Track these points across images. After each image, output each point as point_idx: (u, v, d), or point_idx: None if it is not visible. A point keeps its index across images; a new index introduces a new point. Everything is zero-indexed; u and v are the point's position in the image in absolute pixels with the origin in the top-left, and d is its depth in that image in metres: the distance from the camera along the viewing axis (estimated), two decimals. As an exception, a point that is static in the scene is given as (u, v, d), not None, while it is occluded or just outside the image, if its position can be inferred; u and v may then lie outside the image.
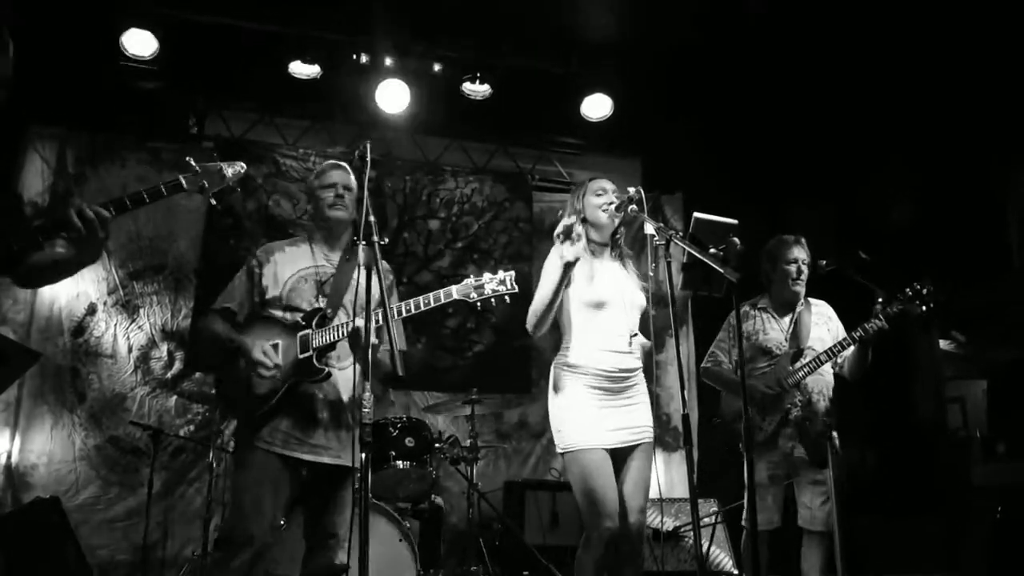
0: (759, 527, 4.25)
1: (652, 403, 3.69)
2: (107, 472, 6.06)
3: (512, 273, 3.31)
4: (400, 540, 4.57)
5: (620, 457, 3.56)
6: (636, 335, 3.61)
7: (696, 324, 7.07)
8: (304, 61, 6.36)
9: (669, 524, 5.58)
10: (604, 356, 3.56)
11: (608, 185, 3.77)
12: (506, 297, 3.27)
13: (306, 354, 3.28)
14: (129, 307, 6.39)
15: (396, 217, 7.12)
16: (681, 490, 6.42)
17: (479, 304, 3.28)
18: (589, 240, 3.76)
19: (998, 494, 5.37)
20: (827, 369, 4.39)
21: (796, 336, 4.42)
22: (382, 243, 3.04)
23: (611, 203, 3.66)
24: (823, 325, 4.50)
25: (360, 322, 3.13)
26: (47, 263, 2.71)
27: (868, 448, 6.44)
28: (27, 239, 2.59)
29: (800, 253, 4.47)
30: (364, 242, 2.98)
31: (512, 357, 7.01)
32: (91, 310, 6.30)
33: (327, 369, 3.31)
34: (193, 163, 2.76)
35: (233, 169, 2.84)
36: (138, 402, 6.23)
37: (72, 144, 6.47)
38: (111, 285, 6.38)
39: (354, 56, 6.49)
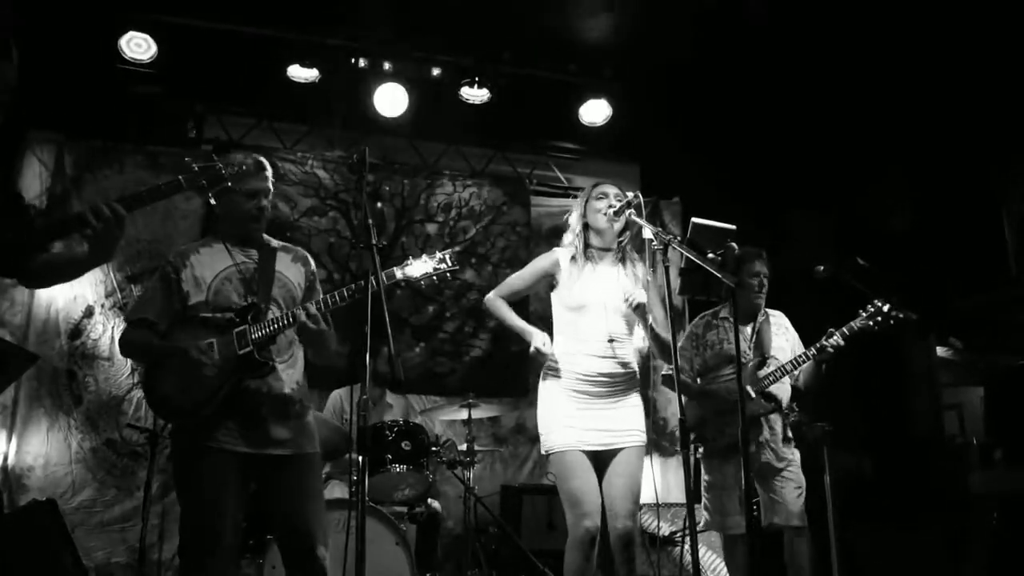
0: (729, 531, 4.40)
1: (649, 408, 3.70)
2: (104, 475, 6.05)
3: (449, 251, 3.37)
4: (396, 544, 4.56)
5: (604, 460, 3.58)
6: (614, 340, 3.61)
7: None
8: (302, 65, 6.38)
9: (665, 529, 5.58)
10: (582, 360, 3.60)
11: (610, 189, 3.78)
12: (448, 275, 3.34)
13: (246, 349, 3.23)
14: (126, 310, 6.38)
15: (394, 221, 7.12)
16: (677, 494, 6.42)
17: (422, 283, 3.33)
18: (588, 245, 3.78)
19: (996, 501, 5.37)
20: (785, 379, 4.49)
21: (759, 345, 4.53)
22: (380, 246, 3.05)
23: (611, 207, 3.68)
24: (781, 335, 4.64)
25: (301, 313, 3.21)
26: (59, 262, 2.71)
27: (865, 455, 6.43)
28: (35, 239, 2.59)
29: (762, 267, 4.60)
30: (363, 246, 3.00)
31: (509, 362, 7.01)
32: (88, 313, 6.29)
33: (269, 362, 3.28)
34: (190, 162, 2.79)
35: (229, 170, 2.86)
36: (135, 405, 6.21)
37: (70, 148, 6.47)
38: (109, 288, 6.37)
39: (352, 60, 6.51)
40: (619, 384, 3.62)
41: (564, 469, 3.54)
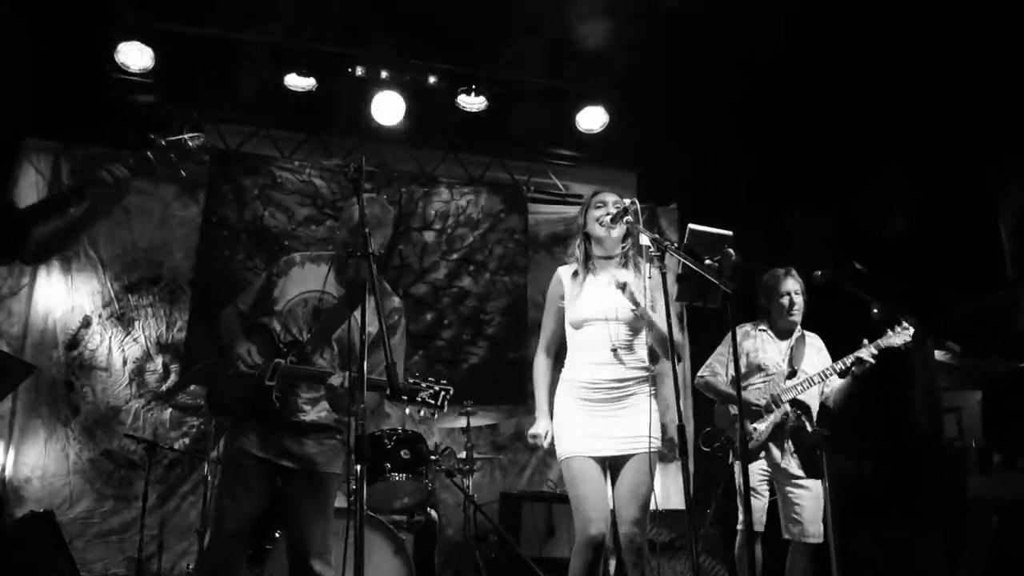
0: (752, 530, 4.46)
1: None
2: (101, 485, 6.03)
3: (450, 390, 3.25)
4: (395, 553, 4.55)
5: (615, 466, 3.60)
6: (616, 350, 3.61)
7: (691, 335, 7.07)
8: (300, 73, 6.39)
9: (665, 535, 5.57)
10: (588, 369, 3.64)
11: (608, 197, 3.78)
12: (434, 412, 3.26)
13: (270, 383, 3.36)
14: (124, 320, 6.37)
15: (391, 228, 7.10)
16: (677, 501, 6.40)
17: (408, 410, 3.33)
18: (589, 256, 3.79)
19: (994, 506, 5.36)
20: (814, 393, 4.64)
21: (793, 358, 4.66)
22: (377, 255, 3.05)
23: (607, 214, 3.68)
24: (814, 354, 4.76)
25: (336, 380, 3.27)
26: (60, 228, 2.77)
27: (864, 459, 6.43)
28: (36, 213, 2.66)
29: (792, 284, 4.72)
30: (359, 255, 3.00)
31: (508, 369, 7.01)
32: (86, 323, 6.28)
33: (288, 403, 3.42)
34: (157, 138, 2.90)
35: (195, 142, 2.96)
36: (133, 415, 6.20)
37: (67, 156, 6.45)
38: (106, 298, 6.36)
39: (350, 68, 6.51)
40: (628, 389, 3.61)
41: (572, 475, 3.57)
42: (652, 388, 3.68)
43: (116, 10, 6.05)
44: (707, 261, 3.44)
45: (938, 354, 6.91)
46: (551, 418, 3.73)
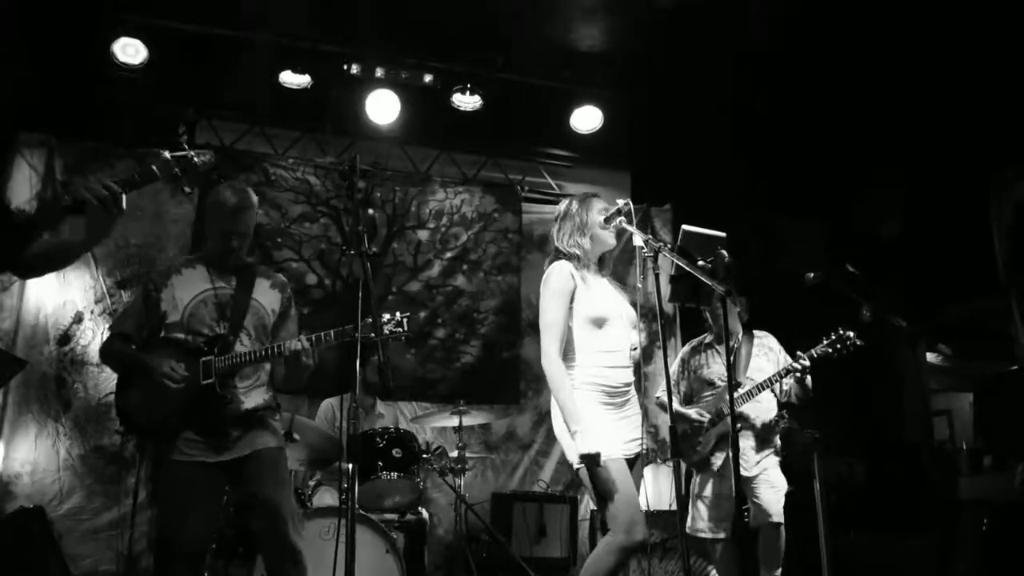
0: (699, 534, 4.68)
1: (642, 415, 3.70)
2: (92, 482, 6.01)
3: (408, 315, 3.50)
4: (386, 552, 4.54)
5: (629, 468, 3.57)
6: (636, 348, 3.60)
7: (684, 336, 7.08)
8: (295, 71, 6.37)
9: (656, 536, 5.58)
10: (611, 372, 3.51)
11: (605, 203, 3.78)
12: (401, 339, 3.51)
13: (208, 380, 3.39)
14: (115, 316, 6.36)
15: (385, 227, 7.11)
16: (667, 502, 6.41)
17: (379, 341, 3.30)
18: (587, 253, 3.76)
19: (985, 507, 5.38)
20: (767, 396, 4.77)
21: (734, 368, 4.77)
22: (371, 253, 3.07)
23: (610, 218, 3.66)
24: (762, 356, 4.89)
25: (298, 345, 3.45)
26: (52, 250, 2.75)
27: (855, 461, 6.45)
28: (29, 228, 2.64)
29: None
30: (354, 252, 3.03)
31: (500, 369, 7.02)
32: (78, 318, 6.26)
33: (228, 395, 3.44)
34: (164, 153, 2.83)
35: (201, 158, 2.91)
36: (124, 411, 6.18)
37: (60, 151, 6.43)
38: (98, 294, 6.35)
39: (345, 66, 6.49)
40: (631, 392, 3.61)
41: (613, 476, 3.34)
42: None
43: (112, 5, 6.04)
44: (700, 262, 3.44)
45: (930, 356, 6.95)
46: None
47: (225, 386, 3.44)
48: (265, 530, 3.47)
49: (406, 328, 3.44)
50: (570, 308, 3.56)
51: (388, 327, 3.42)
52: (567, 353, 3.54)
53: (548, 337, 3.50)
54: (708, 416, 4.75)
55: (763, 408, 4.79)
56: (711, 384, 4.87)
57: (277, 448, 3.58)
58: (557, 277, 3.58)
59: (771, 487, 4.68)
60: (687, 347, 5.16)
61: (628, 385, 3.59)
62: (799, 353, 4.59)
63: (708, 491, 4.72)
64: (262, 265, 3.78)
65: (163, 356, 3.41)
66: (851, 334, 4.45)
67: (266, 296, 3.66)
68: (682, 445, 4.52)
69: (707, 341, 5.04)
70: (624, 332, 3.59)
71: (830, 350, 4.49)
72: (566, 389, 3.41)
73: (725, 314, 3.63)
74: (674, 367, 5.10)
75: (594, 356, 3.55)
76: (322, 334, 3.45)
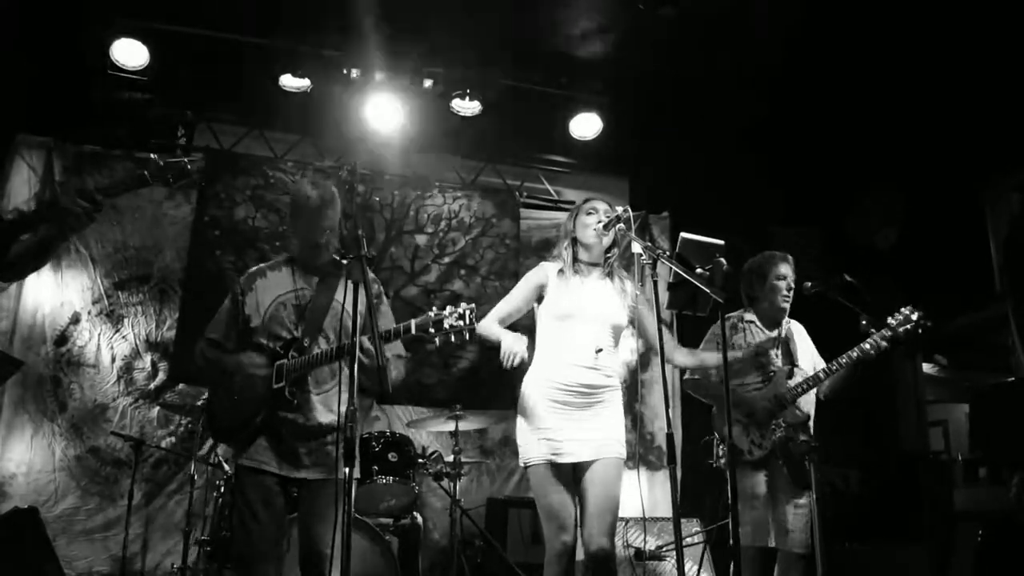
0: (756, 543, 4.16)
1: (637, 422, 3.68)
2: (87, 483, 6.00)
3: (472, 307, 3.20)
4: (381, 556, 4.54)
5: (581, 472, 3.51)
6: (601, 351, 3.58)
7: (681, 343, 7.06)
8: (295, 74, 6.38)
9: (652, 543, 5.57)
10: (565, 369, 3.55)
11: (599, 205, 3.77)
12: (464, 333, 3.18)
13: (279, 384, 3.34)
14: (113, 317, 6.35)
15: (384, 231, 7.12)
16: (664, 509, 6.40)
17: (437, 340, 3.22)
18: (576, 260, 3.77)
19: (980, 519, 5.39)
20: (811, 399, 4.36)
21: (788, 353, 4.38)
22: (369, 256, 3.05)
23: (599, 222, 3.68)
24: (805, 346, 4.51)
25: (366, 340, 3.15)
26: (32, 247, 2.78)
27: (851, 471, 6.45)
28: (9, 231, 2.67)
29: (788, 270, 4.42)
30: (351, 256, 2.99)
31: (497, 374, 6.88)
32: (75, 319, 6.26)
33: (296, 401, 3.36)
34: (156, 158, 2.86)
35: (193, 164, 2.94)
36: (120, 412, 6.17)
37: (59, 153, 6.43)
38: (96, 295, 6.34)
39: (345, 70, 6.50)
40: (599, 395, 3.57)
41: (541, 482, 3.49)
42: (624, 397, 3.67)
43: (112, 8, 6.04)
44: (698, 269, 3.45)
45: (926, 367, 6.97)
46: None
47: (297, 392, 3.37)
48: (304, 566, 3.37)
49: (468, 321, 3.16)
50: (539, 304, 3.75)
51: (449, 320, 3.17)
52: (533, 350, 3.63)
53: (489, 314, 3.72)
54: (771, 405, 4.19)
55: (810, 402, 4.33)
56: (760, 368, 4.31)
57: (334, 480, 3.32)
58: (532, 271, 3.83)
59: (805, 514, 4.14)
60: (726, 321, 4.14)
61: (591, 388, 3.54)
62: (872, 331, 4.06)
63: (788, 495, 4.17)
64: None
65: (248, 360, 3.41)
66: (918, 312, 3.99)
67: (350, 297, 3.54)
68: (741, 442, 4.21)
69: (748, 318, 4.45)
70: (592, 332, 3.59)
71: (904, 328, 3.99)
72: (483, 326, 3.61)
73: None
74: (705, 344, 4.49)
75: (551, 351, 3.62)
76: (391, 330, 3.30)
